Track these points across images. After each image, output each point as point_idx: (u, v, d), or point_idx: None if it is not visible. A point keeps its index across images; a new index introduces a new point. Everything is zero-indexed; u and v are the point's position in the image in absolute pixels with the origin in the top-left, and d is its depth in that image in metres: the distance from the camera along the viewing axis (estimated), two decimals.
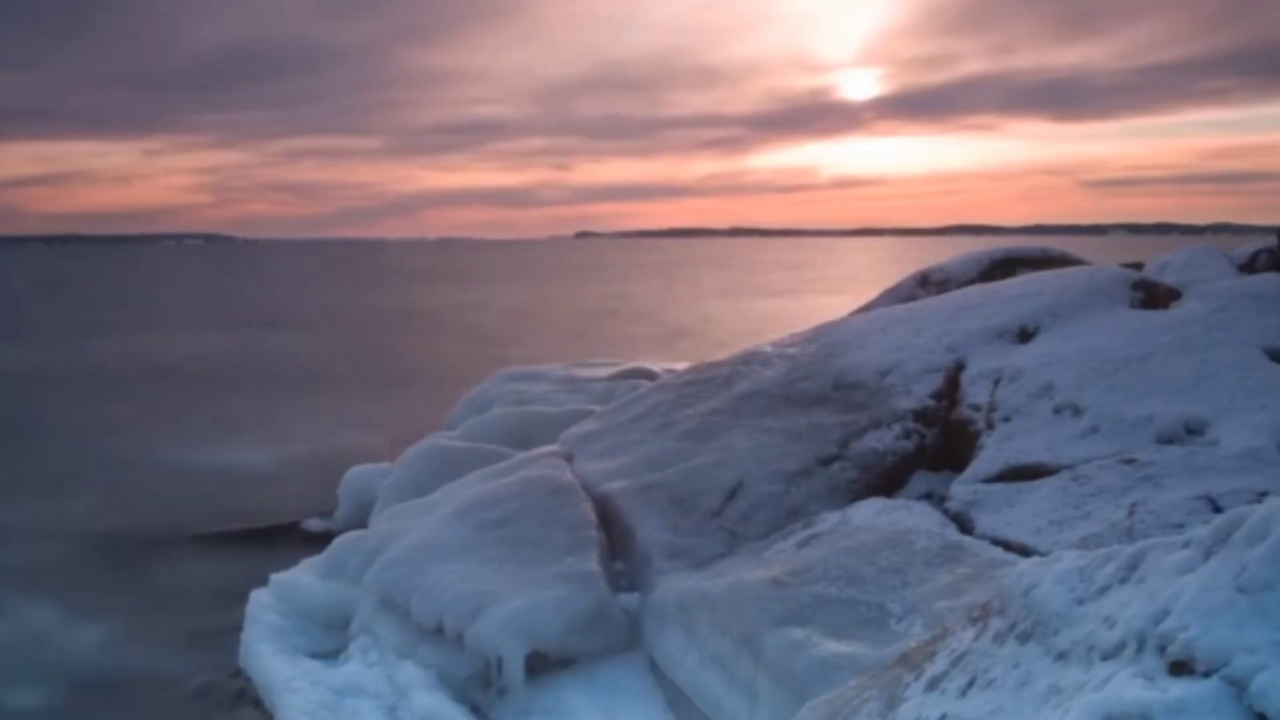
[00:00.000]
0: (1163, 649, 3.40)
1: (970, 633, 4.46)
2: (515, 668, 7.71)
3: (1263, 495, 6.69)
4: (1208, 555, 3.64)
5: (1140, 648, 3.50)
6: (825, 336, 11.74)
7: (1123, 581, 3.88)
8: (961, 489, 8.31)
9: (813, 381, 10.55)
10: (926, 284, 15.36)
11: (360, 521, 12.03)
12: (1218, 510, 6.89)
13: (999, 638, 4.20)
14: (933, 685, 4.31)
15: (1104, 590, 3.94)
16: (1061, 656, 3.81)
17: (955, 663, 4.34)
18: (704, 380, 11.42)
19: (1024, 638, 4.06)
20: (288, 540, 12.93)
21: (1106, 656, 3.60)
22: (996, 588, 4.52)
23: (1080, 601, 3.99)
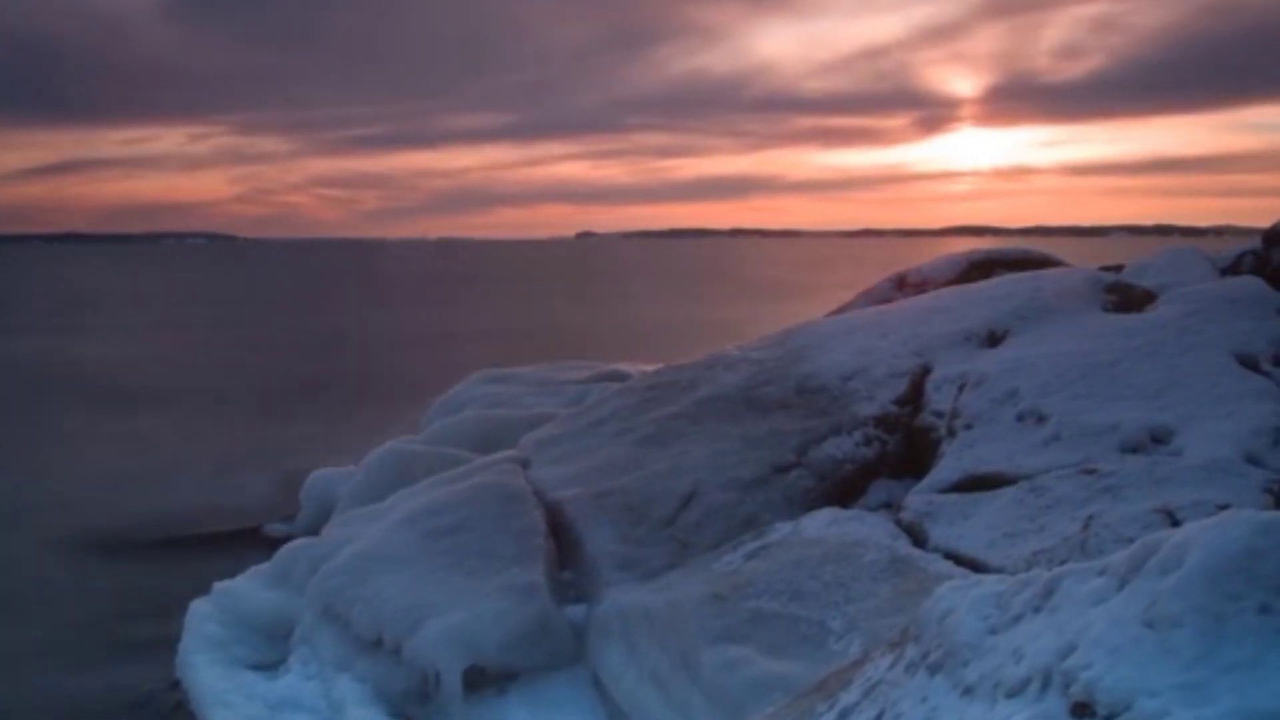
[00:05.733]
0: (1067, 687, 3.14)
1: (887, 660, 4.20)
2: (452, 682, 7.43)
3: (1223, 508, 6.40)
4: (1122, 584, 3.37)
5: (1045, 686, 3.23)
6: (793, 340, 11.46)
7: (1036, 610, 3.62)
8: (916, 499, 8.01)
9: (776, 386, 10.27)
10: (904, 285, 15.10)
11: (322, 527, 11.74)
12: (1175, 524, 6.61)
13: (911, 668, 3.93)
14: (843, 717, 4.05)
15: (1018, 619, 3.68)
16: (968, 691, 3.54)
17: (868, 693, 4.07)
18: (667, 384, 11.15)
19: (934, 669, 3.79)
20: (247, 545, 12.64)
21: (1011, 694, 3.33)
22: (915, 613, 4.26)
23: (994, 631, 3.73)
